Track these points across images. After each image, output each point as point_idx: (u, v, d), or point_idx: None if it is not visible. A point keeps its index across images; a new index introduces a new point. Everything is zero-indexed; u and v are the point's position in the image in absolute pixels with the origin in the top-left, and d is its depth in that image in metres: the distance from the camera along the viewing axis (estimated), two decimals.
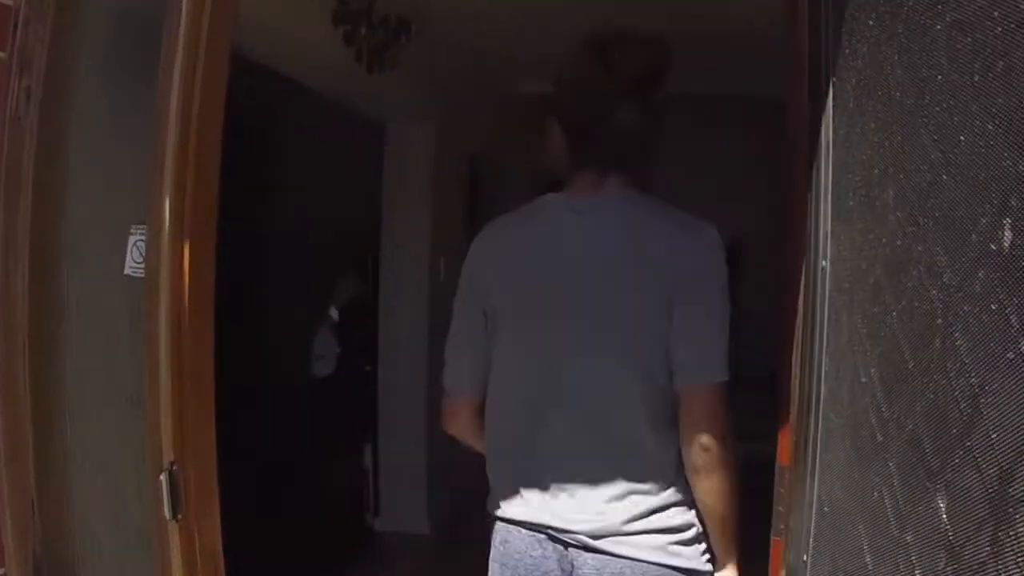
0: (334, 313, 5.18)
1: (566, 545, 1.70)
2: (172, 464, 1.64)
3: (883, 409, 1.11)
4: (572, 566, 1.69)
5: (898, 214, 1.08)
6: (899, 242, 1.07)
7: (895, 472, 1.07)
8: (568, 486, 1.69)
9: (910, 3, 1.08)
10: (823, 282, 1.31)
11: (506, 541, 1.76)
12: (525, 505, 1.73)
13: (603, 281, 1.68)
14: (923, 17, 1.04)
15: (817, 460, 1.32)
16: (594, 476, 1.68)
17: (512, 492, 1.76)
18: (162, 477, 1.62)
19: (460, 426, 1.90)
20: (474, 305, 1.80)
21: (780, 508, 1.59)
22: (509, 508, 1.77)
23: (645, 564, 1.65)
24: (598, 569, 1.66)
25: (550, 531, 1.71)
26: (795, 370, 1.44)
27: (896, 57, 1.10)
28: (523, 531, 1.73)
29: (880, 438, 1.11)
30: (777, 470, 1.59)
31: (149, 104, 1.72)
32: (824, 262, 1.31)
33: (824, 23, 1.34)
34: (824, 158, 1.31)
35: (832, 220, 1.29)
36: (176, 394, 1.68)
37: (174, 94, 1.71)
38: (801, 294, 1.40)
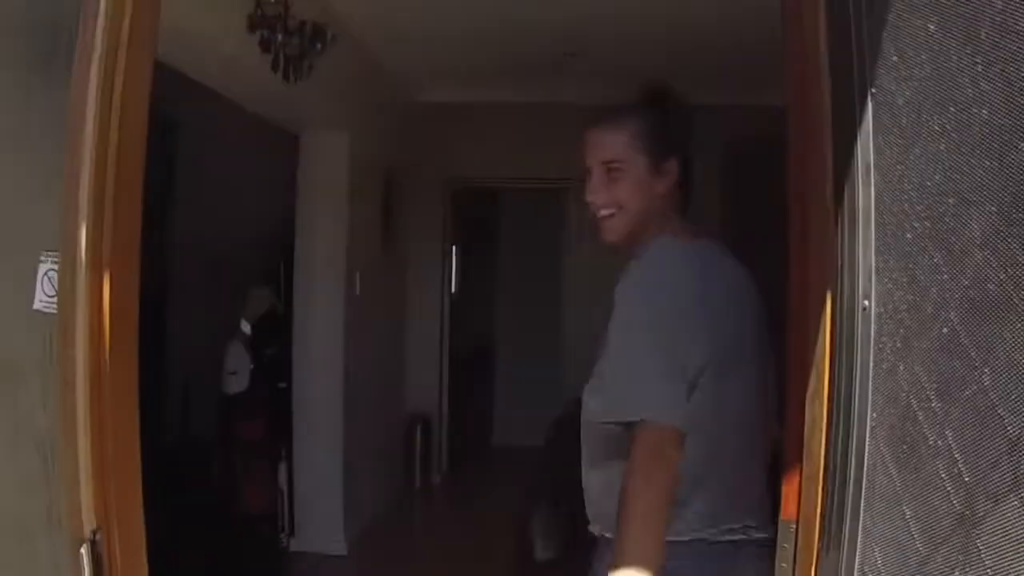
0: (246, 327, 4.85)
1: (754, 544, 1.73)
2: (95, 533, 1.37)
3: (966, 478, 0.92)
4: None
5: (986, 253, 0.89)
6: (991, 286, 0.88)
7: (984, 551, 0.89)
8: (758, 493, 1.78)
9: (999, 6, 0.89)
10: (865, 325, 1.12)
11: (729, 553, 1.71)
12: (733, 519, 1.72)
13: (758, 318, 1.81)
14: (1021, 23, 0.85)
15: (859, 527, 1.12)
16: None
17: (729, 510, 1.73)
18: (83, 550, 1.35)
19: (673, 465, 1.58)
20: (693, 333, 1.64)
21: (783, 564, 1.40)
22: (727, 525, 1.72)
23: None
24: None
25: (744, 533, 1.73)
26: (814, 418, 1.24)
27: (979, 68, 0.91)
28: (748, 546, 1.72)
29: (963, 510, 0.92)
30: (780, 524, 1.41)
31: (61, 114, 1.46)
32: (867, 302, 1.11)
33: (855, 27, 1.14)
34: (862, 182, 1.12)
35: (877, 254, 1.10)
36: (97, 451, 1.41)
37: (91, 94, 1.45)
38: (826, 334, 1.20)
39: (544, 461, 4.65)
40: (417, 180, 6.51)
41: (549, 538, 3.28)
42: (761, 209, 6.17)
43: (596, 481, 1.80)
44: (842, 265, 1.16)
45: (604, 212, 1.79)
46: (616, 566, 1.52)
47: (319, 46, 4.25)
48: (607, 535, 1.71)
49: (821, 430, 1.22)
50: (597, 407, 1.70)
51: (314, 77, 4.25)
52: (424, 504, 6.41)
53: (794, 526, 1.38)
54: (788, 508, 1.39)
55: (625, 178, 1.76)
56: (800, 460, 1.36)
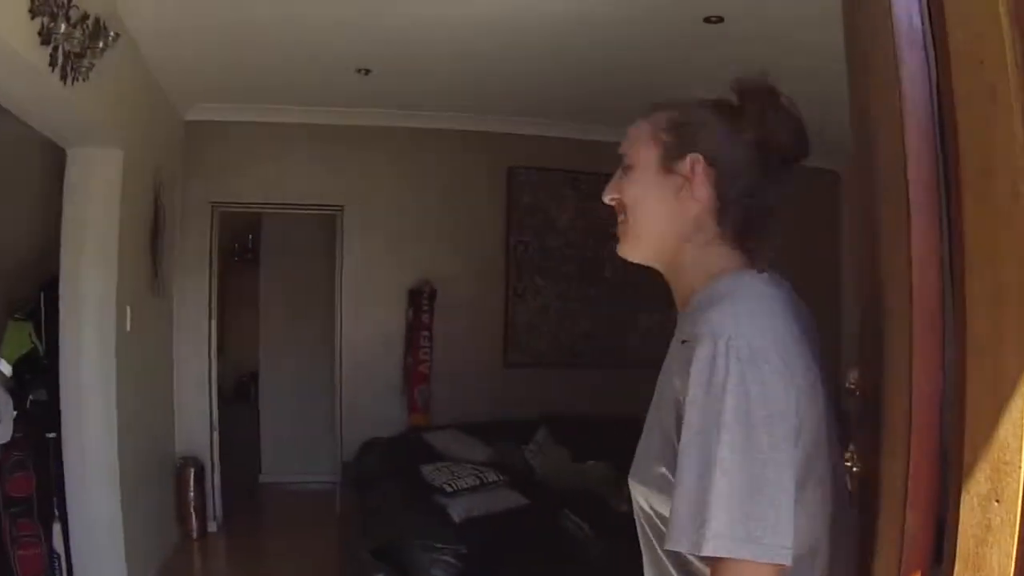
0: (6, 368, 4.00)
1: None
2: None
3: None
4: None
5: None
6: None
7: None
8: None
9: None
10: None
11: None
12: None
13: None
14: None
15: None
16: None
17: None
18: None
19: None
20: (792, 430, 1.14)
21: None
22: None
23: None
24: None
25: None
26: (990, 522, 0.92)
27: None
28: None
29: None
30: None
31: None
32: None
33: None
34: None
35: None
36: None
37: None
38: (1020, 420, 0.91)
39: (360, 521, 4.20)
40: (184, 204, 5.81)
41: None
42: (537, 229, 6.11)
43: None
44: None
45: None
46: None
47: (101, 44, 3.58)
48: None
49: (1012, 536, 0.93)
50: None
51: (92, 81, 3.57)
52: (205, 557, 5.62)
53: None
54: None
55: None
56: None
